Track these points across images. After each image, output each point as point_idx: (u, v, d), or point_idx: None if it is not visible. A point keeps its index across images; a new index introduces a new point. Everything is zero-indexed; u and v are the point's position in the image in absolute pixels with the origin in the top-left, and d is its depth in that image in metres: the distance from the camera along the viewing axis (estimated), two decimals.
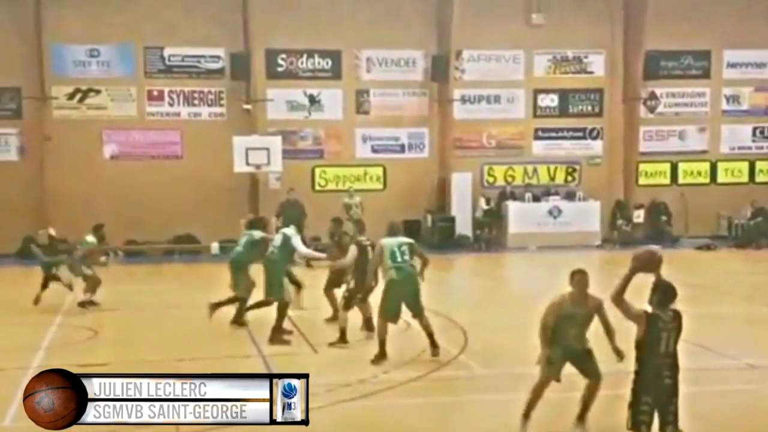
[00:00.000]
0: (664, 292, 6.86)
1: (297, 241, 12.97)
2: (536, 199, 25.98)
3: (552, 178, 26.92)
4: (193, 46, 24.54)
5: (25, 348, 11.71)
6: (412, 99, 25.99)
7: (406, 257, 11.63)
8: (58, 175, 23.55)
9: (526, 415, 8.04)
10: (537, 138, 26.90)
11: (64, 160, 23.57)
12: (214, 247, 23.48)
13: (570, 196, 26.33)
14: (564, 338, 7.92)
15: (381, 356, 11.13)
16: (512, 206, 25.52)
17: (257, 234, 13.84)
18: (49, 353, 11.46)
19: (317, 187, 25.24)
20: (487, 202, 25.75)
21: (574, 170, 27.07)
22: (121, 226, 23.31)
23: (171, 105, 24.60)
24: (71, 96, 23.98)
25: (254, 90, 24.66)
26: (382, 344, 11.19)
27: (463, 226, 25.17)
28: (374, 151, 25.85)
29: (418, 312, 11.38)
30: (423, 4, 25.63)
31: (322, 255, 14.02)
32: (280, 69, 25.18)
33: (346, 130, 25.63)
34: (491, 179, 26.64)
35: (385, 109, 25.78)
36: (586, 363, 8.02)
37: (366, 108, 25.74)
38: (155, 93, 24.49)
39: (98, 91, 24.10)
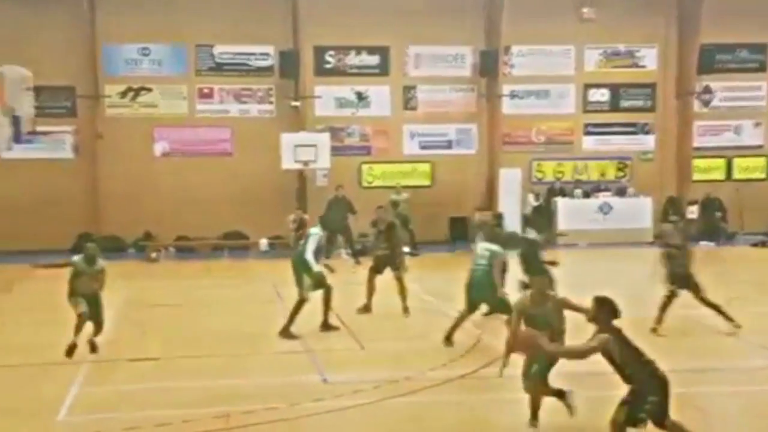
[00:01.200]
0: (610, 307, 6.88)
1: (310, 243, 12.75)
2: (586, 195, 25.68)
3: (602, 174, 26.58)
4: (242, 44, 24.74)
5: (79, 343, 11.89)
6: (459, 95, 25.86)
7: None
8: (111, 173, 23.94)
9: (533, 417, 8.12)
10: (587, 133, 26.58)
11: (117, 158, 23.95)
12: (263, 243, 23.64)
13: (621, 192, 25.96)
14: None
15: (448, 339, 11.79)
16: (561, 203, 25.24)
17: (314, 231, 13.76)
18: (101, 348, 11.62)
19: (364, 184, 25.25)
20: (536, 198, 25.52)
21: (625, 166, 26.69)
22: (172, 223, 23.67)
23: (221, 102, 24.82)
24: (123, 94, 24.34)
25: (302, 87, 24.77)
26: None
27: (511, 223, 24.92)
28: (422, 147, 25.77)
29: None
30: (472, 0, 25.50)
31: (318, 267, 13.04)
32: (328, 66, 25.25)
33: (393, 127, 25.60)
34: (540, 175, 26.40)
35: (433, 106, 25.69)
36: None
37: (413, 104, 25.67)
38: (205, 91, 24.73)
39: (149, 90, 24.42)
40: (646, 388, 6.73)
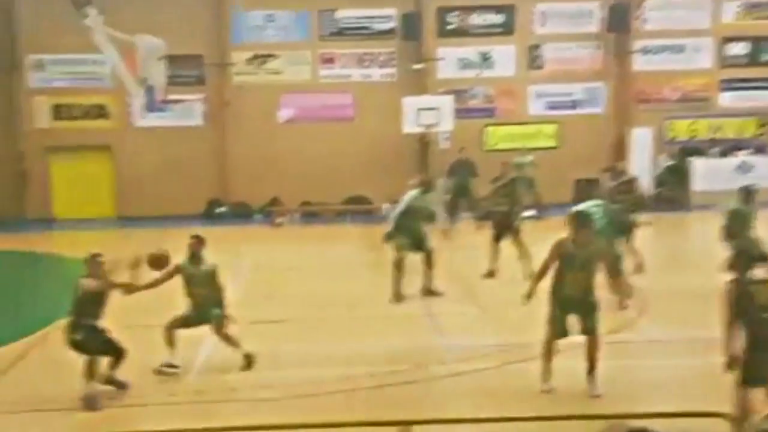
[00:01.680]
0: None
1: (401, 204, 12.86)
2: (723, 154, 24.41)
3: (740, 132, 25.20)
4: (364, 8, 24.65)
5: None
6: (587, 52, 24.97)
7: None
8: (238, 139, 24.43)
9: (544, 380, 8.37)
10: (724, 89, 25.20)
11: (243, 125, 24.41)
12: (386, 208, 23.60)
13: (761, 150, 24.55)
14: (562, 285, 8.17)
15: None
16: (697, 163, 24.11)
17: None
18: (230, 310, 11.86)
19: (488, 147, 24.83)
20: (670, 158, 24.46)
21: (766, 123, 25.21)
22: (296, 188, 23.99)
23: (343, 68, 24.86)
24: (250, 61, 24.72)
25: (425, 49, 24.49)
26: None
27: (643, 185, 24.03)
28: (548, 107, 25.10)
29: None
30: None
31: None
32: (450, 27, 24.84)
33: (518, 87, 25.01)
34: (672, 134, 25.26)
35: (560, 64, 24.91)
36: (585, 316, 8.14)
37: (539, 63, 24.97)
38: (328, 56, 24.82)
39: (274, 56, 24.71)
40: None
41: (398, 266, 12.53)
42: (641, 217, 13.30)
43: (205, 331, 9.70)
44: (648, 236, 20.99)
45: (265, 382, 8.75)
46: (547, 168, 23.75)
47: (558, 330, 8.30)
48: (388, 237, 12.81)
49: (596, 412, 7.44)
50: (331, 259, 16.98)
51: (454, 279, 13.95)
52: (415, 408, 8.16)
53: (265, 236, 21.34)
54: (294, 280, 14.66)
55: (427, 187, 13.29)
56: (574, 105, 25.04)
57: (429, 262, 12.72)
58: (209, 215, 23.95)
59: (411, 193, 12.99)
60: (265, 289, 13.63)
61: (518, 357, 9.39)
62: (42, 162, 24.21)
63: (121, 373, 8.70)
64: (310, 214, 23.95)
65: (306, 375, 8.95)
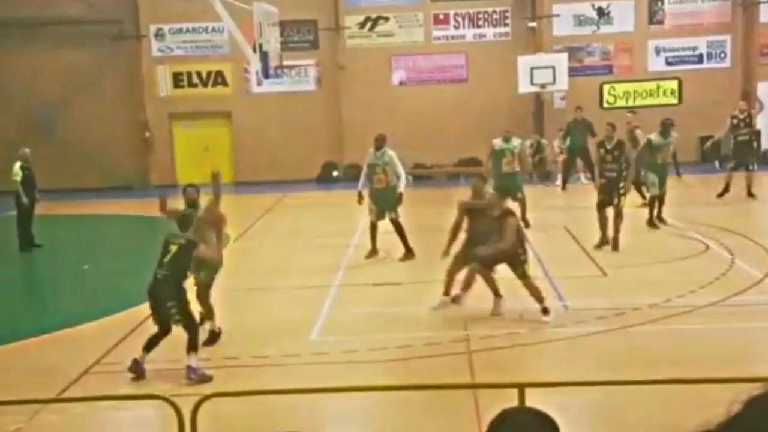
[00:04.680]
0: None
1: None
2: None
3: None
4: None
5: (329, 269, 12.42)
6: (712, 4, 23.87)
7: None
8: (352, 103, 24.59)
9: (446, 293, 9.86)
10: None
11: (357, 88, 24.53)
12: None
13: None
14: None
15: None
16: None
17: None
18: (348, 273, 12.08)
19: (605, 105, 24.15)
20: None
21: None
22: (410, 151, 23.95)
23: (456, 28, 24.60)
24: (362, 25, 24.76)
25: (539, 6, 23.94)
26: None
27: None
28: (668, 63, 24.16)
29: None
30: None
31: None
32: None
33: (637, 43, 24.16)
34: None
35: (682, 18, 23.92)
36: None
37: (660, 17, 24.04)
38: (441, 17, 24.58)
39: (387, 19, 24.66)
40: None
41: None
42: None
43: (322, 293, 9.87)
44: None
45: (379, 345, 8.87)
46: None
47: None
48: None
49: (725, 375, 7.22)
50: (443, 222, 16.92)
51: (568, 241, 13.74)
52: (529, 370, 8.14)
53: None
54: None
55: (379, 144, 13.68)
56: (697, 60, 24.04)
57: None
58: (324, 179, 24.30)
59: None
60: (381, 252, 13.68)
61: (637, 320, 9.20)
62: (165, 129, 25.06)
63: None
64: (424, 177, 23.94)
65: (421, 336, 9.02)
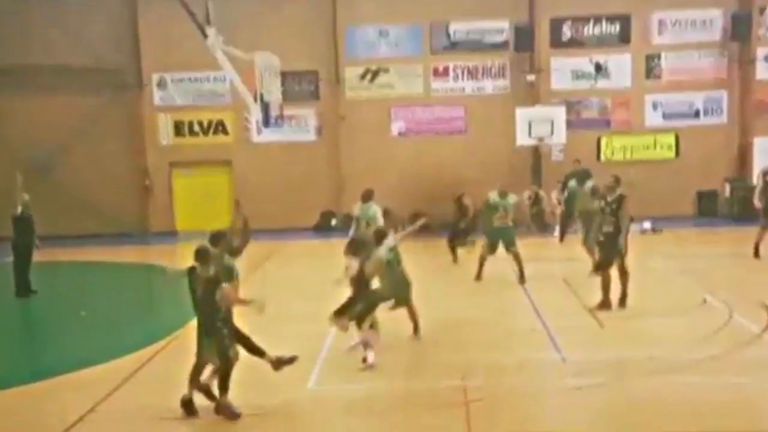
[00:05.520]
0: None
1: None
2: None
3: None
4: (477, 20, 24.61)
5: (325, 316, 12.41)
6: (708, 61, 24.18)
7: None
8: (351, 152, 24.76)
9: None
10: None
11: (356, 138, 24.73)
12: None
13: None
14: None
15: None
16: None
17: None
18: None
19: (603, 158, 24.33)
20: None
21: None
22: (408, 200, 24.07)
23: (455, 80, 24.88)
24: (362, 76, 25.04)
25: (538, 60, 24.26)
26: None
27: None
28: (665, 117, 24.41)
29: None
30: None
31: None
32: (564, 38, 24.52)
33: (634, 98, 24.43)
34: None
35: (678, 73, 24.21)
36: None
37: (657, 73, 24.32)
38: (440, 69, 24.88)
39: (387, 70, 24.95)
40: None
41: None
42: None
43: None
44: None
45: (375, 393, 8.82)
46: (665, 179, 23.25)
47: None
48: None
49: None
50: (442, 273, 16.96)
51: (566, 293, 13.75)
52: (525, 421, 8.09)
53: None
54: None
55: (366, 198, 14.53)
56: (694, 115, 24.28)
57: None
58: (322, 227, 24.35)
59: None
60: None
61: (632, 372, 9.17)
62: (165, 177, 25.18)
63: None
64: (422, 227, 23.91)
65: (418, 385, 8.97)
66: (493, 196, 15.16)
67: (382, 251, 10.61)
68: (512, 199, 15.19)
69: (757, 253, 16.20)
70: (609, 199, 12.52)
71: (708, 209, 23.82)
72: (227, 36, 14.62)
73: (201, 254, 8.49)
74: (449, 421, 8.03)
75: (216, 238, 9.36)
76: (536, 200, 22.65)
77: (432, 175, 24.16)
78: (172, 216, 25.21)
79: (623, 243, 12.37)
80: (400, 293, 10.92)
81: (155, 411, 8.42)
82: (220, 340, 8.31)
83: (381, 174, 24.47)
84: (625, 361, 9.58)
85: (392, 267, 10.80)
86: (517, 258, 14.88)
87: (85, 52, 24.32)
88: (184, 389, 8.48)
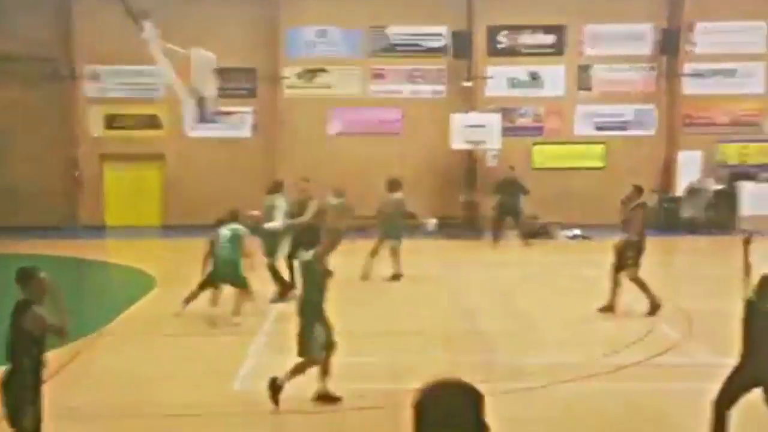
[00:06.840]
0: None
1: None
2: None
3: None
4: (416, 25, 24.81)
5: (255, 315, 12.36)
6: (638, 74, 24.85)
7: None
8: (288, 151, 24.67)
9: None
10: None
11: (293, 137, 24.67)
12: (431, 223, 23.74)
13: None
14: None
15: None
16: (747, 187, 23.82)
17: None
18: (276, 320, 11.99)
19: (535, 165, 24.78)
20: (719, 182, 24.18)
21: None
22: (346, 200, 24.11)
23: (393, 83, 25.03)
24: (300, 76, 25.00)
25: (474, 67, 24.57)
26: None
27: (695, 206, 23.81)
28: (596, 128, 24.99)
29: None
30: None
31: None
32: (500, 46, 24.90)
33: (567, 107, 24.96)
34: (723, 158, 24.99)
35: (609, 85, 24.83)
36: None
37: (588, 84, 24.91)
38: (378, 72, 25.00)
39: (325, 71, 24.95)
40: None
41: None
42: None
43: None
44: (698, 259, 20.85)
45: (299, 394, 8.85)
46: (593, 188, 23.78)
47: None
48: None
49: None
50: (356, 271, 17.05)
51: (495, 295, 13.97)
52: None
53: None
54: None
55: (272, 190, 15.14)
56: (623, 126, 24.91)
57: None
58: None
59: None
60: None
61: (564, 378, 9.38)
62: (95, 170, 24.72)
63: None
64: (358, 228, 23.98)
65: (352, 387, 9.03)
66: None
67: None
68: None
69: None
70: (628, 207, 12.82)
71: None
72: (165, 31, 14.48)
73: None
74: (378, 425, 8.09)
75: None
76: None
77: (368, 176, 24.22)
78: (102, 210, 24.78)
79: (631, 253, 12.48)
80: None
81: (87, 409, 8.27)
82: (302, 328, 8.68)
83: (317, 173, 24.39)
84: (557, 365, 9.79)
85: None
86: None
87: (16, 39, 23.72)
88: (107, 386, 8.34)
